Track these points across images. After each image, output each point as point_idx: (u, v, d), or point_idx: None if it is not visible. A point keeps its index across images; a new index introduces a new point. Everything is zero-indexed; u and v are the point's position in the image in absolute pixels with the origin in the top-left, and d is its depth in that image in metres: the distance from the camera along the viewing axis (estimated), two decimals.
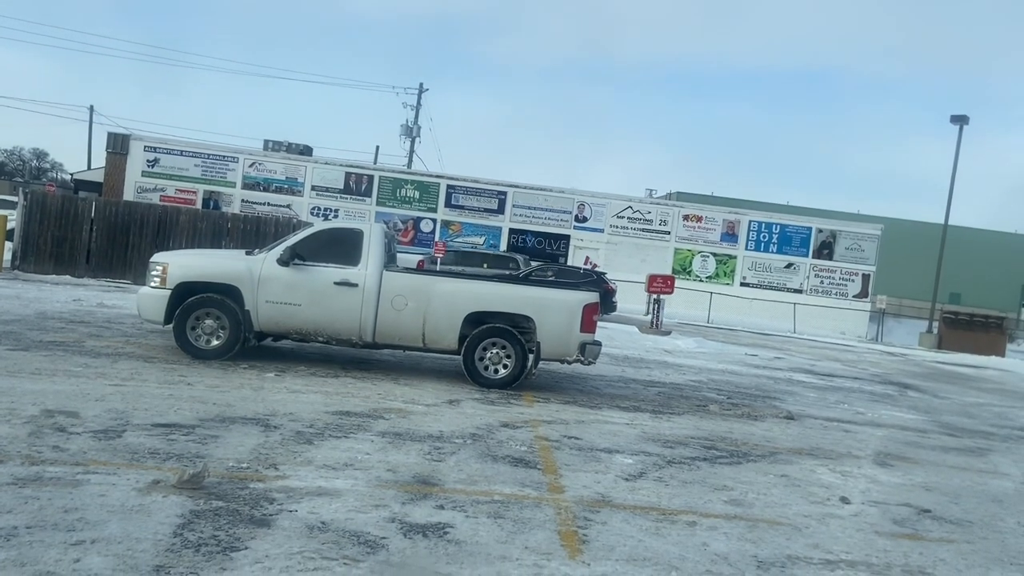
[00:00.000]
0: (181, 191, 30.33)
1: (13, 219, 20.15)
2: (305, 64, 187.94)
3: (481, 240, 31.02)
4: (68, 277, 18.64)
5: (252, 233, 19.80)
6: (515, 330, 9.25)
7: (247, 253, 9.84)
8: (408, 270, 10.08)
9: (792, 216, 34.48)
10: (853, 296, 32.22)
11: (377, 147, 77.68)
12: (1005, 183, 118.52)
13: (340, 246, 9.40)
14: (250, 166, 30.97)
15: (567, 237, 31.59)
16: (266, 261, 9.23)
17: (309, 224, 11.41)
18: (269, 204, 30.33)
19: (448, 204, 31.41)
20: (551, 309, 9.29)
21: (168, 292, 9.07)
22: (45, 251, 19.10)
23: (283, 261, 9.14)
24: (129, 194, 29.59)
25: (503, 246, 30.99)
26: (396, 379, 9.31)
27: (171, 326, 9.11)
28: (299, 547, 4.05)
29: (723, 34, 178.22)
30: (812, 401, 11.58)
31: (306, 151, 32.70)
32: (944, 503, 6.51)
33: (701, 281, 31.63)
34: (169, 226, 19.75)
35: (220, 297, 9.07)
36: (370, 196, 31.29)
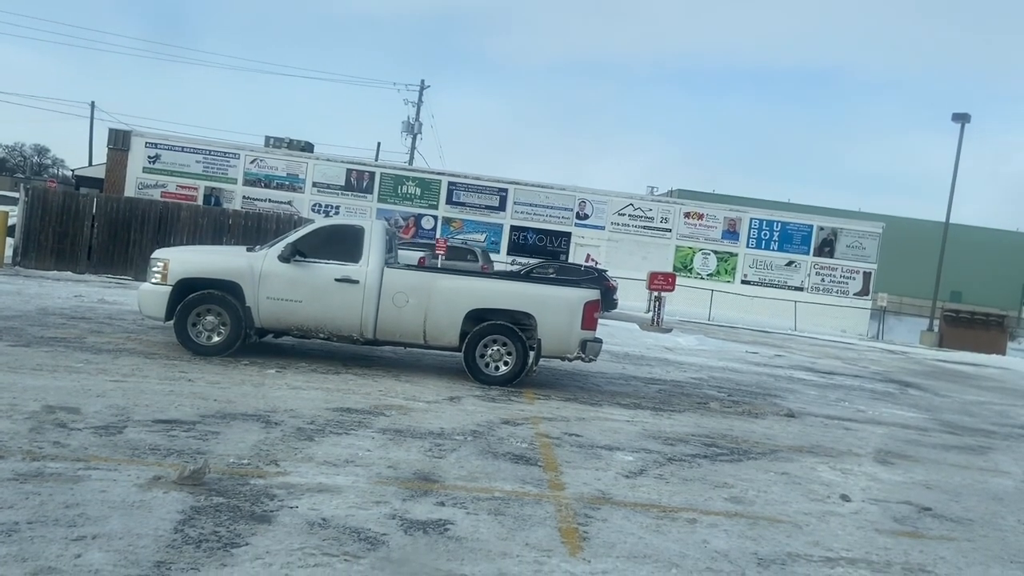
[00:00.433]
0: (182, 187, 30.34)
1: (14, 215, 20.17)
2: (307, 60, 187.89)
3: (482, 236, 31.02)
4: (69, 273, 18.66)
5: (253, 229, 19.82)
6: (516, 327, 9.25)
7: (248, 249, 9.83)
8: (409, 267, 10.08)
9: (793, 214, 34.48)
10: (854, 294, 32.21)
11: (378, 144, 77.59)
12: (1007, 181, 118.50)
13: (341, 243, 9.40)
14: (251, 162, 30.97)
15: (568, 234, 31.59)
16: (267, 258, 9.23)
17: (310, 221, 11.41)
18: (270, 200, 30.33)
19: (449, 201, 31.41)
20: (552, 306, 9.29)
21: (169, 288, 9.07)
22: (46, 247, 19.12)
23: (284, 258, 9.14)
24: (130, 190, 29.61)
25: (504, 243, 31.02)
26: (397, 376, 9.32)
27: (172, 322, 9.11)
28: (300, 543, 4.05)
29: (725, 31, 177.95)
30: (813, 399, 11.58)
31: (307, 148, 32.69)
32: (944, 501, 6.51)
33: (702, 279, 31.63)
34: (170, 222, 19.76)
35: (221, 293, 9.07)
36: (371, 193, 31.29)
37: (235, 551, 3.88)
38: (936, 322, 31.28)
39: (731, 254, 32.17)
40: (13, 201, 24.57)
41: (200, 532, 4.06)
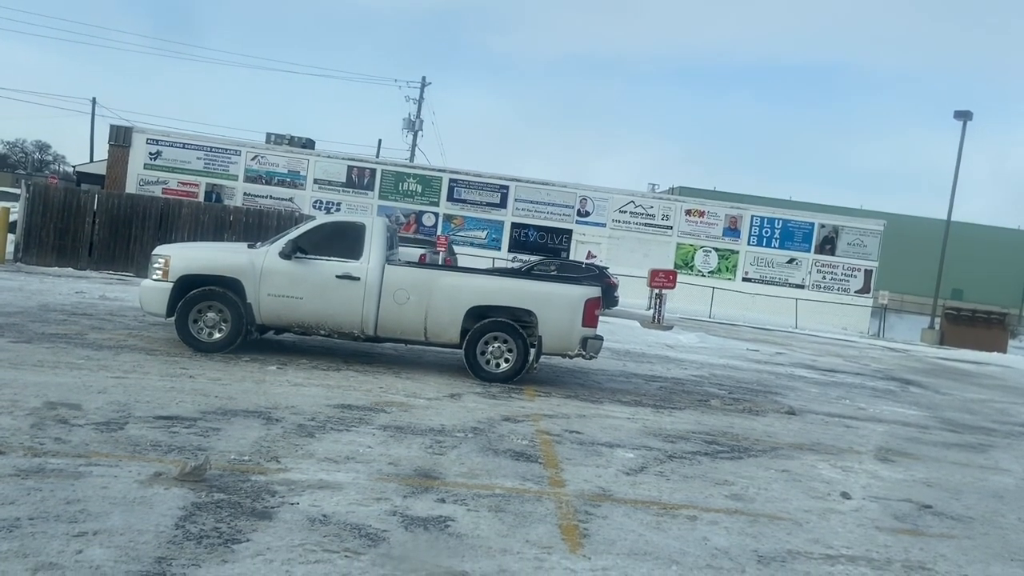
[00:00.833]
0: (183, 184, 30.33)
1: (16, 211, 20.18)
2: (308, 57, 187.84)
3: (483, 234, 31.02)
4: (70, 269, 18.67)
5: (254, 226, 19.82)
6: (517, 324, 9.25)
7: (249, 246, 9.83)
8: (410, 264, 10.08)
9: (794, 211, 34.46)
10: (855, 292, 32.19)
11: (379, 141, 77.77)
12: (1009, 179, 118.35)
13: (342, 240, 9.40)
14: (252, 159, 30.97)
15: (569, 231, 31.58)
16: (268, 254, 9.23)
17: (311, 217, 11.41)
18: (271, 197, 30.33)
19: (450, 198, 31.40)
20: (553, 303, 9.29)
21: (170, 285, 9.07)
22: (47, 243, 19.13)
23: (285, 254, 9.14)
24: (131, 187, 29.61)
25: (505, 240, 31.02)
26: (398, 373, 9.32)
27: (173, 319, 9.12)
28: (300, 540, 4.06)
29: (727, 28, 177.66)
30: (813, 396, 11.58)
31: (308, 144, 32.68)
32: (945, 499, 6.51)
33: (703, 276, 31.61)
34: (171, 219, 19.77)
35: (222, 290, 9.07)
36: (372, 190, 31.28)
37: (236, 547, 3.89)
38: (937, 320, 31.26)
39: (732, 251, 32.15)
40: (14, 197, 24.60)
41: (201, 528, 4.06)
